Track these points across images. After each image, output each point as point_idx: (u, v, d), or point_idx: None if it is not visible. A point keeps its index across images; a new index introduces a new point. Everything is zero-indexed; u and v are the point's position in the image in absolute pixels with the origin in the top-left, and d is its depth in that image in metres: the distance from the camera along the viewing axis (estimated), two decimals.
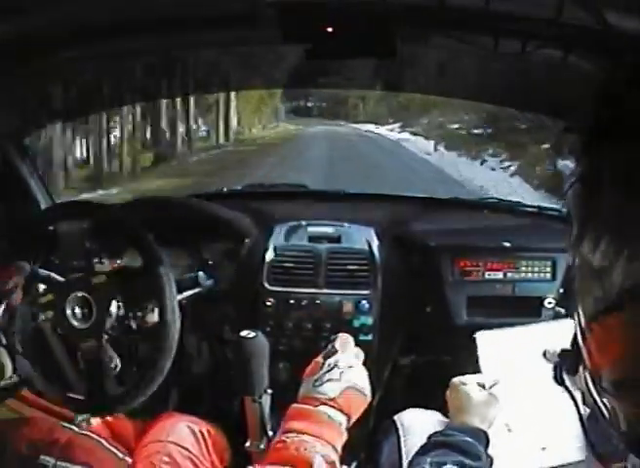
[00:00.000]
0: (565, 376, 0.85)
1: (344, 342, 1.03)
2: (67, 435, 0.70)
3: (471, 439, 0.89)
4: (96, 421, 1.16)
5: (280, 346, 1.61)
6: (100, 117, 10.71)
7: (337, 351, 1.00)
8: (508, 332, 1.01)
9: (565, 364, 0.82)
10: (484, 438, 0.91)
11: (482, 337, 1.01)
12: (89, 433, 0.77)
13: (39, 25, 0.92)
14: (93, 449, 0.70)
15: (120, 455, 0.78)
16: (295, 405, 0.93)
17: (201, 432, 1.26)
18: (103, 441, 0.79)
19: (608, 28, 0.80)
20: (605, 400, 0.57)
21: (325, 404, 0.91)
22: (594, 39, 0.88)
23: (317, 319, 1.60)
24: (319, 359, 0.99)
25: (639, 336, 0.52)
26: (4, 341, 0.93)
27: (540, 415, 0.97)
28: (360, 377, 0.98)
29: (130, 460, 0.79)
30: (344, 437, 0.91)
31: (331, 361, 0.97)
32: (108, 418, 1.22)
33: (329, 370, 0.95)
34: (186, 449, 1.17)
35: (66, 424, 0.78)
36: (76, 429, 0.75)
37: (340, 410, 0.92)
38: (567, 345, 0.95)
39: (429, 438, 0.92)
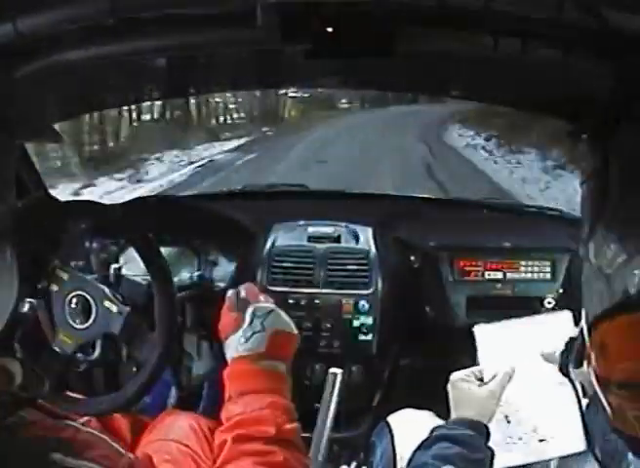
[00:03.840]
0: (570, 368, 0.86)
1: (250, 290, 0.99)
2: (71, 432, 0.70)
3: (472, 432, 0.90)
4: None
5: None
6: None
7: (247, 301, 0.96)
8: (506, 325, 1.02)
9: (570, 355, 0.83)
10: (484, 431, 0.92)
11: (480, 330, 1.02)
12: (91, 430, 0.77)
13: (39, 25, 0.92)
14: (97, 445, 0.70)
15: (122, 451, 0.77)
16: (230, 368, 0.90)
17: (202, 429, 1.26)
18: (106, 437, 0.79)
19: (608, 28, 0.80)
20: (608, 397, 0.58)
21: (260, 358, 0.89)
22: (594, 39, 0.88)
23: (316, 319, 1.60)
24: (233, 313, 0.95)
25: None
26: (17, 352, 0.92)
27: (538, 407, 0.98)
28: (281, 318, 0.97)
29: (131, 456, 0.79)
30: (290, 383, 0.91)
31: (248, 312, 0.94)
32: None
33: (250, 323, 0.92)
34: (187, 446, 1.17)
35: (69, 422, 0.78)
36: (79, 426, 0.75)
37: (277, 358, 0.90)
38: (565, 337, 0.96)
39: (432, 431, 0.93)
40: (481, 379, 0.98)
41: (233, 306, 0.96)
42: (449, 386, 0.99)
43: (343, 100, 22.50)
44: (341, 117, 19.22)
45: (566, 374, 0.87)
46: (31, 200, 1.00)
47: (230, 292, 0.99)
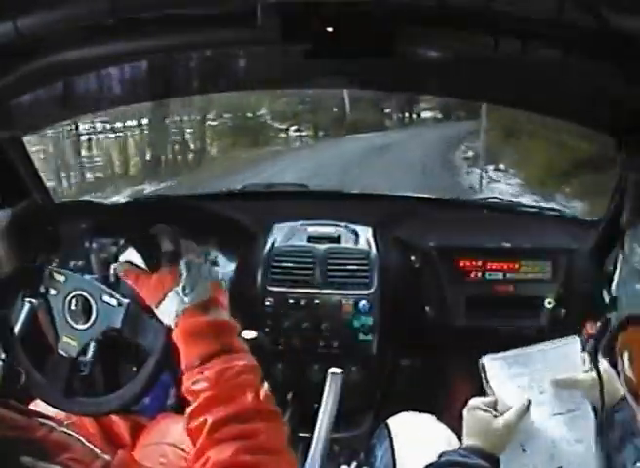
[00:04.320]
0: (599, 356, 0.85)
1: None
2: (44, 432, 0.69)
3: (484, 462, 0.89)
4: (88, 420, 1.17)
5: (279, 346, 1.61)
6: None
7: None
8: (514, 355, 1.01)
9: (600, 343, 0.82)
10: (495, 462, 0.91)
11: (489, 362, 1.00)
12: (66, 430, 0.76)
13: (39, 25, 0.92)
14: (70, 447, 0.69)
15: (98, 452, 0.76)
16: (181, 326, 0.83)
17: None
18: (82, 438, 0.78)
19: (608, 28, 0.80)
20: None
21: (208, 306, 0.83)
22: (594, 39, 0.88)
23: (316, 319, 1.60)
24: (162, 270, 0.85)
25: None
26: None
27: (554, 436, 0.97)
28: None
29: (107, 458, 0.77)
30: (238, 326, 0.85)
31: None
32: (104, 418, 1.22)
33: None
34: (182, 450, 1.17)
35: (43, 421, 0.77)
36: (53, 425, 0.74)
37: (222, 306, 0.85)
38: (575, 365, 0.96)
39: (440, 456, 0.92)
40: (495, 409, 0.97)
41: (168, 258, 0.86)
42: (465, 411, 0.97)
43: (293, 128, 13.87)
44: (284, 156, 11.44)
45: (594, 362, 0.86)
46: (27, 205, 0.99)
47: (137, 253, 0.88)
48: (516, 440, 0.95)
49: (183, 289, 0.83)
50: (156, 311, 0.86)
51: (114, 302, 1.02)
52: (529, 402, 0.96)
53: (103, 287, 1.05)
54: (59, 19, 0.92)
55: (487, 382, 1.00)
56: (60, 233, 1.08)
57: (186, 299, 0.83)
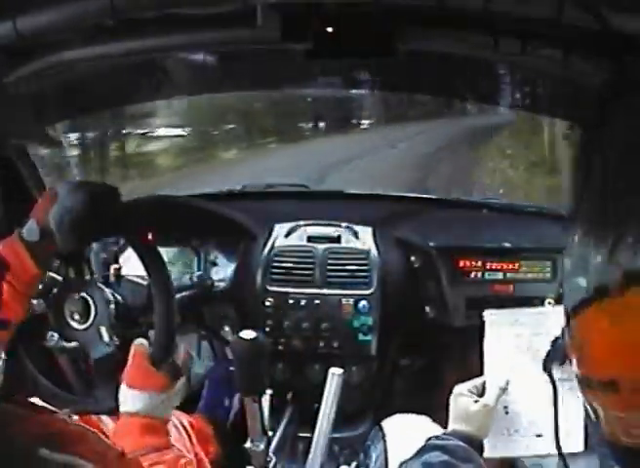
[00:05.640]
0: (553, 365, 0.87)
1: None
2: (59, 425, 0.70)
3: (466, 444, 0.91)
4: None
5: (279, 346, 1.61)
6: None
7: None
8: (516, 314, 1.02)
9: (555, 352, 0.83)
10: (478, 445, 0.94)
11: (490, 315, 1.02)
12: (82, 424, 0.77)
13: (38, 25, 0.92)
14: (86, 439, 0.70)
15: (110, 443, 0.78)
16: (138, 421, 0.95)
17: (182, 424, 1.26)
18: (96, 431, 0.79)
19: (608, 28, 0.80)
20: (590, 398, 0.56)
21: (164, 421, 0.98)
22: (594, 39, 0.88)
23: (316, 319, 1.60)
24: (161, 373, 0.98)
25: (619, 332, 0.50)
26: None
27: (537, 403, 0.99)
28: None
29: (120, 449, 0.79)
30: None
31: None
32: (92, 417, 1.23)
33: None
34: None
35: (57, 415, 0.78)
36: (69, 421, 0.75)
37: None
38: None
39: (427, 440, 0.94)
40: (480, 393, 0.99)
41: (163, 366, 0.98)
42: (450, 398, 1.00)
43: None
44: None
45: (548, 372, 0.88)
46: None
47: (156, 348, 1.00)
48: (501, 401, 0.98)
49: (160, 400, 0.95)
50: (125, 385, 0.96)
51: (106, 338, 1.05)
52: (507, 383, 0.98)
53: (112, 317, 1.10)
54: (59, 19, 0.92)
55: (483, 338, 1.01)
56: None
57: (155, 410, 0.95)
